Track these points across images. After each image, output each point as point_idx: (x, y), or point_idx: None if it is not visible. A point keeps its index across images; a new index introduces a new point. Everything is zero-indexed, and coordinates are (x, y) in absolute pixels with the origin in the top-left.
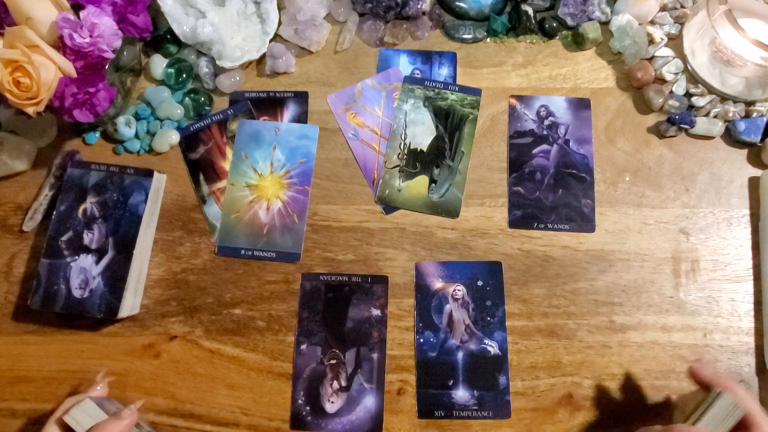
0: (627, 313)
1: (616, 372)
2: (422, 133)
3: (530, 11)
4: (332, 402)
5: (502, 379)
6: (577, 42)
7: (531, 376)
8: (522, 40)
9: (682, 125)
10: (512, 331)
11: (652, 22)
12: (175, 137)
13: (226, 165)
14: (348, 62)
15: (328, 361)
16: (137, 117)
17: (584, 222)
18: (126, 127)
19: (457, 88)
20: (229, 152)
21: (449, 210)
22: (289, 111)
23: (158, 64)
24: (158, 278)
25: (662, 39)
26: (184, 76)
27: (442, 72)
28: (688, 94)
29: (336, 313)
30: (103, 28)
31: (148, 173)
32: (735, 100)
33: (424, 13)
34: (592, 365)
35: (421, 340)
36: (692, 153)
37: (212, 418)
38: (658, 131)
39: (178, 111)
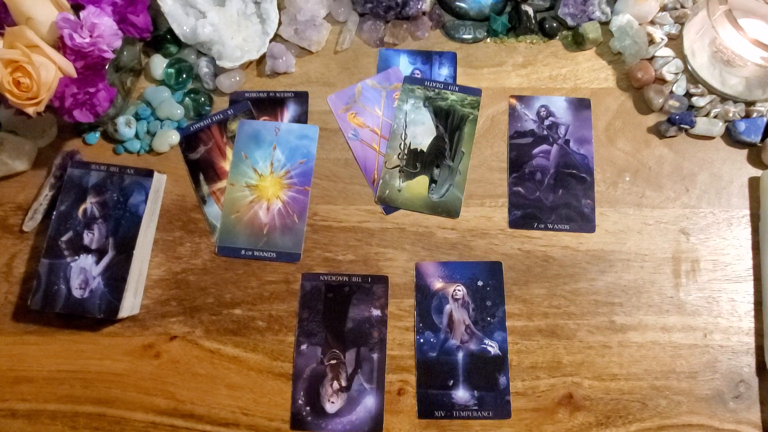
0: (627, 313)
1: (616, 372)
2: (422, 133)
3: (530, 11)
4: (332, 402)
5: (502, 379)
6: (577, 42)
7: (531, 376)
8: (522, 40)
9: (682, 125)
10: (512, 331)
11: (652, 22)
12: (175, 137)
13: (226, 165)
14: (348, 62)
15: (328, 361)
16: (137, 117)
17: (584, 222)
18: (126, 127)
19: (457, 88)
20: (229, 152)
21: (449, 210)
22: (289, 111)
23: (158, 64)
24: (158, 278)
25: (662, 39)
26: (184, 76)
27: (442, 72)
28: (688, 94)
29: (336, 313)
30: (103, 28)
31: (148, 173)
32: (735, 100)
33: (424, 13)
34: (592, 365)
35: (421, 340)
36: (692, 153)
37: (212, 418)
38: (658, 131)
39: (178, 111)
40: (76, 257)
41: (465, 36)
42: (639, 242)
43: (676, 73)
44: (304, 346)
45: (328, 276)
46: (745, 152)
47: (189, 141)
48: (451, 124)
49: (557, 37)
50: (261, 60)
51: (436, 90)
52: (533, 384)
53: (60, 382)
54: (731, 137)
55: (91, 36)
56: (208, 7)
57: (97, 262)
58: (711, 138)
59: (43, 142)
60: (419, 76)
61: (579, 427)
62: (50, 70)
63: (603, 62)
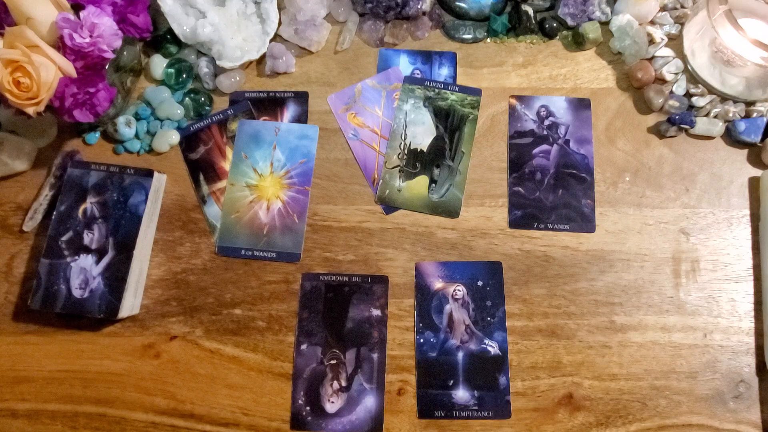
0: (627, 313)
1: (616, 372)
2: (422, 133)
3: (530, 11)
4: (332, 402)
5: (502, 379)
6: (577, 42)
7: (531, 376)
8: (522, 40)
9: (682, 125)
10: (512, 331)
11: (652, 22)
12: (175, 137)
13: (226, 165)
14: (348, 62)
15: (328, 361)
16: (137, 117)
17: (584, 222)
18: (126, 127)
19: (457, 88)
20: (229, 152)
21: (449, 210)
22: (289, 111)
23: (158, 64)
24: (158, 278)
25: (662, 39)
26: (184, 76)
27: (442, 72)
28: (688, 94)
29: (336, 313)
30: (103, 28)
31: (148, 173)
32: (735, 100)
33: (424, 13)
34: (592, 365)
35: (421, 340)
36: (692, 153)
37: (212, 418)
38: (658, 131)
39: (178, 111)
40: (76, 257)
41: (465, 36)
42: (639, 242)
43: (676, 73)
44: (304, 346)
45: (328, 276)
46: (745, 152)
47: (189, 141)
48: (451, 124)
49: (557, 37)
50: (261, 60)
51: (436, 90)
52: (533, 384)
53: (60, 382)
54: (731, 137)
55: (91, 36)
56: (208, 7)
57: (97, 262)
58: (711, 138)
59: (43, 142)
60: (419, 76)
61: (579, 427)
62: (50, 70)
63: (603, 62)
